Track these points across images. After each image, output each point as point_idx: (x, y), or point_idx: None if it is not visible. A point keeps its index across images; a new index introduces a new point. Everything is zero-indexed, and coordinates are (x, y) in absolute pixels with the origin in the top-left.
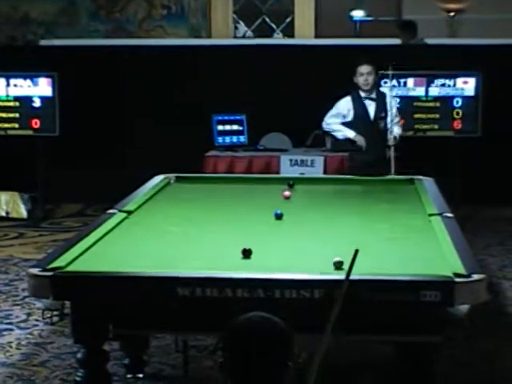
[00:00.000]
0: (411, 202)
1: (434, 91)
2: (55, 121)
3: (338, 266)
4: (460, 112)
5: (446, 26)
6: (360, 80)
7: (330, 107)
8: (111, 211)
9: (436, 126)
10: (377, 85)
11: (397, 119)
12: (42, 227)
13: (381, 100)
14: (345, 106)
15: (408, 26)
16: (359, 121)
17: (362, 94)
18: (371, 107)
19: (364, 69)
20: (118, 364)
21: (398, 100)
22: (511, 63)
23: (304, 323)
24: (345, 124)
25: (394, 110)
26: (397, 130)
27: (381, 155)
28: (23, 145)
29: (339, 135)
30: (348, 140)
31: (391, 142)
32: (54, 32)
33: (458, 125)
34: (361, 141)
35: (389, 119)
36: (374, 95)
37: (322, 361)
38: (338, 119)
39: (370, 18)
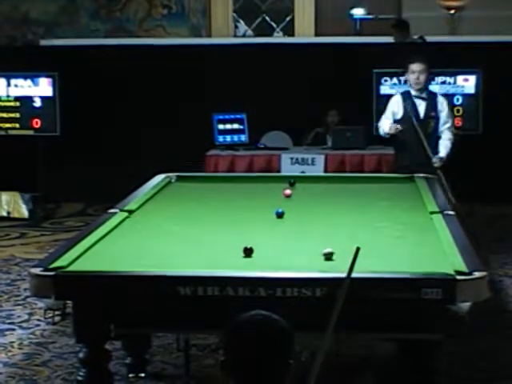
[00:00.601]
0: (412, 199)
1: (435, 89)
2: (56, 120)
3: (329, 256)
4: (460, 109)
5: (447, 24)
6: (411, 78)
7: (331, 105)
8: (112, 211)
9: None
10: (428, 84)
11: (448, 123)
12: (43, 227)
13: (432, 99)
14: (394, 104)
15: (401, 25)
16: (408, 120)
17: (413, 93)
18: (421, 106)
19: (416, 67)
20: (120, 363)
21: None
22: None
23: (305, 322)
24: (397, 122)
25: (446, 112)
26: (447, 136)
27: (429, 156)
28: (24, 145)
29: (381, 133)
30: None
31: (437, 163)
32: (54, 32)
33: (458, 122)
34: (392, 127)
35: (441, 121)
36: (424, 94)
37: (324, 359)
38: (390, 118)
39: (370, 16)
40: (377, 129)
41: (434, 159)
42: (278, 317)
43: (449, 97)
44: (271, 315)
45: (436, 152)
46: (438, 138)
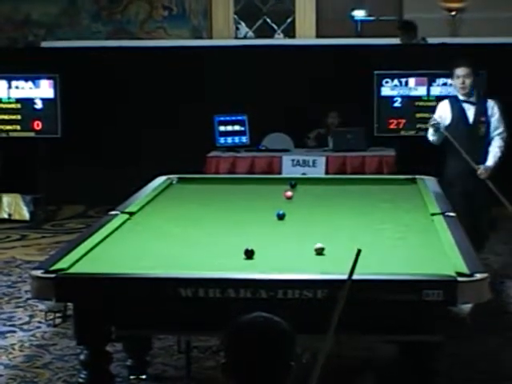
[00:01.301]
0: (413, 201)
1: (436, 90)
2: (57, 122)
3: (320, 251)
4: (436, 110)
5: (448, 25)
6: (457, 83)
7: (332, 107)
8: (113, 213)
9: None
10: (478, 89)
11: (500, 129)
12: (44, 229)
13: (481, 104)
14: (442, 109)
15: (408, 26)
16: (457, 125)
17: (461, 98)
18: (470, 111)
19: (460, 71)
20: (121, 365)
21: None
22: None
23: (306, 323)
24: (445, 128)
25: (497, 117)
26: (497, 143)
27: (479, 163)
28: (25, 147)
29: (429, 138)
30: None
31: (483, 174)
32: (55, 33)
33: None
34: (434, 121)
35: (492, 126)
36: (473, 99)
37: (325, 361)
38: (445, 122)
39: (371, 18)
40: (378, 130)
41: (480, 170)
42: (279, 319)
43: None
44: (272, 317)
45: (484, 160)
46: (489, 143)
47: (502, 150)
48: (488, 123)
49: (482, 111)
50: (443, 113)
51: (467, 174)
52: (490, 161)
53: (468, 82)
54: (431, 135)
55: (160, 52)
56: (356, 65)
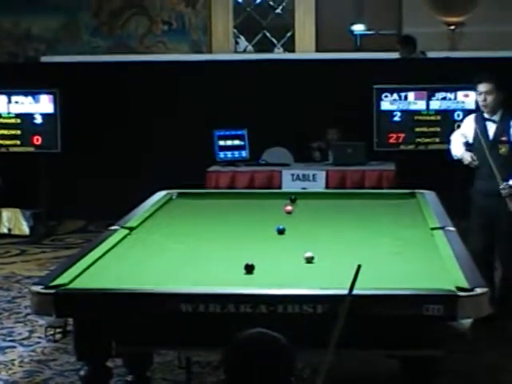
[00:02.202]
0: (413, 215)
1: (435, 105)
2: (57, 137)
3: (309, 260)
4: (461, 125)
5: (447, 39)
6: (478, 99)
7: (331, 122)
8: (113, 228)
9: (437, 140)
10: (504, 106)
11: None
12: (44, 244)
13: (505, 122)
14: (466, 125)
15: (408, 40)
16: (478, 143)
17: (485, 115)
18: (492, 130)
19: (482, 87)
20: (122, 380)
21: None
22: None
23: (307, 338)
24: (467, 145)
25: None
26: None
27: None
28: (25, 162)
29: (452, 154)
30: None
31: (504, 191)
32: (55, 48)
33: None
34: (467, 158)
35: None
36: (496, 117)
37: (326, 376)
38: (461, 138)
39: (370, 32)
40: (377, 144)
41: (502, 186)
42: (278, 334)
43: (449, 112)
44: (271, 333)
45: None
46: None
47: None
48: (510, 143)
49: (503, 130)
50: (467, 129)
51: (492, 193)
52: None
53: (490, 98)
54: (455, 157)
55: (160, 66)
56: (355, 79)
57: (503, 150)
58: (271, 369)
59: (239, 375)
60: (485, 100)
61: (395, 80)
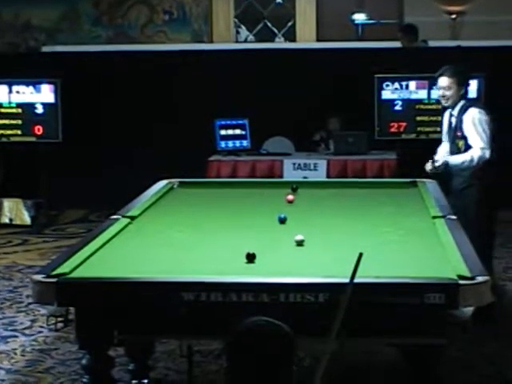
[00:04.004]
0: (414, 204)
1: (437, 94)
2: (58, 127)
3: (300, 243)
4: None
5: (448, 29)
6: (439, 93)
7: (332, 111)
8: (115, 217)
9: (438, 129)
10: (465, 99)
11: (478, 144)
12: (45, 234)
13: (461, 116)
14: (444, 119)
15: (409, 29)
16: (448, 138)
17: (449, 110)
18: (453, 125)
19: (442, 81)
20: (123, 370)
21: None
22: None
23: (309, 327)
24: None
25: (472, 132)
26: (473, 151)
27: (463, 181)
28: (26, 151)
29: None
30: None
31: (430, 166)
32: (56, 38)
33: None
34: (428, 166)
35: (469, 142)
36: (456, 111)
37: (328, 364)
38: (445, 135)
39: (371, 21)
40: (379, 133)
41: (431, 162)
42: (279, 323)
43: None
44: (273, 321)
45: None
46: None
47: (473, 158)
48: (465, 138)
49: (459, 126)
50: (444, 124)
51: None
52: (452, 158)
53: (449, 93)
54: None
55: (161, 56)
56: (356, 68)
57: (460, 144)
58: (273, 357)
59: (241, 363)
60: (443, 95)
61: (396, 69)
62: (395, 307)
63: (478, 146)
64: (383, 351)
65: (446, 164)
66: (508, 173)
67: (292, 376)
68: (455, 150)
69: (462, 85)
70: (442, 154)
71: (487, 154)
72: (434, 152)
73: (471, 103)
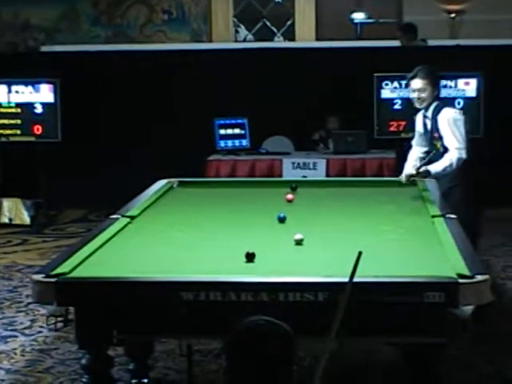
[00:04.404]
0: (414, 203)
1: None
2: (57, 127)
3: (299, 242)
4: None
5: (447, 27)
6: (412, 96)
7: (331, 110)
8: (114, 216)
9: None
10: (437, 99)
11: (454, 144)
12: (45, 233)
13: (435, 117)
14: (417, 121)
15: (409, 28)
16: (425, 140)
17: (422, 112)
18: (428, 126)
19: (415, 83)
20: (123, 369)
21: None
22: None
23: (308, 326)
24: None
25: (447, 132)
26: (450, 154)
27: (449, 181)
28: (25, 151)
29: None
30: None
31: (409, 173)
32: (55, 38)
33: None
34: (402, 177)
35: (445, 142)
36: (429, 113)
37: (327, 364)
38: (417, 136)
39: (370, 20)
40: (378, 132)
41: (415, 169)
42: (279, 322)
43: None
44: (272, 320)
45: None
46: None
47: (451, 161)
48: (441, 138)
49: (434, 127)
50: (418, 126)
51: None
52: (432, 166)
53: (423, 95)
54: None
55: (160, 56)
56: (356, 67)
57: (438, 145)
58: (273, 356)
59: (240, 363)
60: (418, 98)
61: (396, 68)
62: (394, 306)
63: (454, 146)
64: (382, 350)
65: (427, 173)
66: (507, 171)
67: (292, 375)
68: (434, 151)
69: (435, 85)
70: (414, 159)
71: (463, 153)
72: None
73: (445, 103)
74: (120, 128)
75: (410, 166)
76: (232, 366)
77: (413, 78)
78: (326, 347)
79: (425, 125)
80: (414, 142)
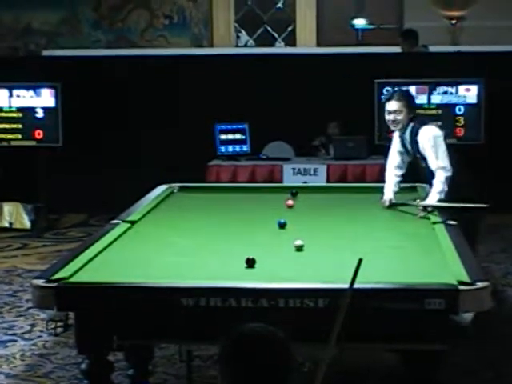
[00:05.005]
0: (414, 209)
1: (436, 99)
2: (58, 131)
3: (300, 248)
4: (462, 119)
5: (448, 34)
6: (388, 118)
7: (332, 116)
8: (115, 221)
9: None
10: (412, 121)
11: (436, 164)
12: (45, 238)
13: (414, 139)
14: (394, 142)
15: (409, 34)
16: (405, 161)
17: (398, 133)
18: (409, 147)
19: (391, 106)
20: (123, 374)
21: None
22: None
23: (308, 332)
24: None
25: (429, 151)
26: (438, 178)
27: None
28: (26, 155)
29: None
30: None
31: (420, 214)
32: (56, 42)
33: (460, 132)
34: (384, 202)
35: (428, 162)
36: (407, 134)
37: (327, 370)
38: (395, 156)
39: (371, 26)
40: (378, 138)
41: (418, 209)
42: (273, 328)
43: (450, 107)
44: (267, 327)
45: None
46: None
47: (443, 183)
48: (425, 158)
49: (414, 148)
50: (397, 146)
51: None
52: (430, 198)
53: (400, 117)
54: None
55: (161, 60)
56: (356, 73)
57: (423, 165)
58: (271, 362)
59: (234, 370)
60: (394, 120)
61: (396, 74)
62: (395, 313)
63: (438, 166)
64: (383, 357)
65: (434, 207)
66: (507, 177)
67: (291, 381)
68: (422, 170)
69: (411, 107)
70: (393, 183)
71: (449, 171)
72: None
73: (420, 122)
74: (121, 133)
75: (390, 191)
76: (225, 374)
77: (389, 99)
78: (326, 353)
79: (405, 148)
80: (389, 164)
